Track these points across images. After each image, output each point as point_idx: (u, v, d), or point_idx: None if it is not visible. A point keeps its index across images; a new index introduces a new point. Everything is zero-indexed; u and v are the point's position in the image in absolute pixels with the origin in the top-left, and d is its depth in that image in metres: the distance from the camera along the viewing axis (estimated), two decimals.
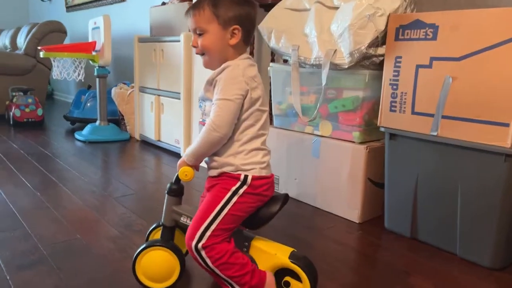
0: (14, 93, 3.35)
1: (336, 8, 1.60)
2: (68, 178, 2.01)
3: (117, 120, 3.14)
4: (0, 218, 1.49)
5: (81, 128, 3.05)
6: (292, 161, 1.79)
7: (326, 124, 1.66)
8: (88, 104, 3.25)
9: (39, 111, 3.31)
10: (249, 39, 1.02)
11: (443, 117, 1.26)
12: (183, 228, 1.12)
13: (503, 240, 1.22)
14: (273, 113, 1.91)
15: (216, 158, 0.99)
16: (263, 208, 1.01)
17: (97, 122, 2.93)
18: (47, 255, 1.23)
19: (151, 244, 1.05)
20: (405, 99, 1.35)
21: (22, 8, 6.07)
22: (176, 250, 1.05)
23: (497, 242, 1.22)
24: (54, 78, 2.88)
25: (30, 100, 3.29)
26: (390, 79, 1.39)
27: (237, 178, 0.97)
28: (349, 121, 1.58)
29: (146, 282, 1.05)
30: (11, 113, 3.24)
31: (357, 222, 1.57)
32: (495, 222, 1.21)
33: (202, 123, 1.02)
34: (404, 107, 1.36)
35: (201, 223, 0.94)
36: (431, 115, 1.29)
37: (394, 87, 1.38)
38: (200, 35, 0.98)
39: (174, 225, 1.08)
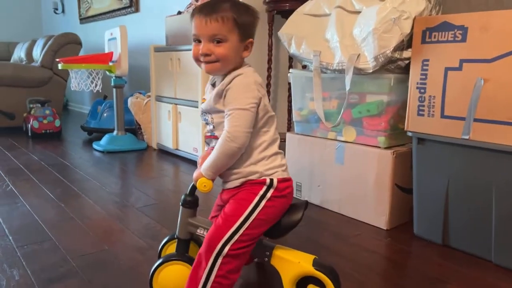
0: (31, 105, 3.39)
1: (358, 12, 1.58)
2: (90, 188, 2.01)
3: (133, 129, 3.16)
4: (27, 230, 1.49)
5: (98, 138, 3.07)
6: (315, 168, 1.77)
7: (350, 129, 1.64)
8: (105, 114, 3.27)
9: (57, 122, 3.34)
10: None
11: (475, 120, 1.23)
12: (197, 241, 1.11)
13: None
14: (294, 119, 1.90)
15: (236, 170, 0.96)
16: (285, 216, 1.00)
17: (115, 132, 2.94)
18: (76, 267, 1.23)
19: (167, 259, 1.03)
20: (433, 102, 1.33)
21: (36, 20, 6.17)
22: (192, 263, 1.03)
23: None
24: (72, 89, 2.90)
25: (47, 112, 3.33)
26: (417, 83, 1.37)
27: (262, 183, 0.95)
28: (374, 126, 1.56)
29: None
30: (29, 125, 3.28)
31: (385, 228, 1.54)
32: None
33: (209, 136, 1.00)
34: (433, 111, 1.33)
35: (229, 227, 0.91)
36: (462, 119, 1.26)
37: (422, 90, 1.36)
38: (218, 42, 0.93)
39: (190, 238, 1.07)
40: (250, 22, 0.96)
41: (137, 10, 3.85)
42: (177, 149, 2.70)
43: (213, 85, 1.02)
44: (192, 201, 1.05)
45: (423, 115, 1.37)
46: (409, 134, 1.42)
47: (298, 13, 1.81)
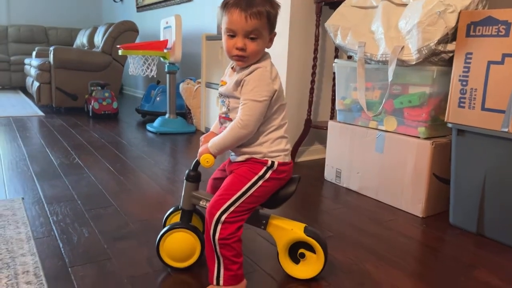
0: (92, 88, 3.68)
1: (405, 5, 1.62)
2: (145, 165, 2.20)
3: (184, 113, 3.34)
4: (93, 197, 1.69)
5: (152, 121, 3.28)
6: (354, 156, 1.84)
7: (391, 119, 1.69)
8: (158, 99, 3.49)
9: (115, 104, 3.60)
10: None
11: None
12: (199, 212, 1.24)
13: None
14: (337, 108, 1.97)
15: (243, 149, 1.05)
16: (281, 189, 1.09)
17: (166, 115, 3.14)
18: (135, 230, 1.40)
19: (173, 227, 1.13)
20: (475, 95, 1.36)
21: (97, 8, 6.56)
22: (196, 231, 1.14)
23: None
24: (130, 74, 3.12)
25: (106, 94, 3.59)
26: (460, 75, 1.40)
27: (264, 163, 1.04)
28: (415, 116, 1.60)
29: (170, 262, 1.14)
30: (90, 106, 3.56)
31: (421, 216, 1.59)
32: None
33: (223, 117, 1.08)
34: (474, 103, 1.37)
35: (228, 198, 1.01)
36: (502, 112, 1.29)
37: (464, 83, 1.39)
38: (252, 39, 0.97)
39: (192, 209, 1.18)
40: (276, 15, 1.01)
41: None
42: None
43: (233, 68, 1.09)
44: (195, 176, 1.16)
45: (463, 107, 1.40)
46: (449, 125, 1.46)
47: (346, 4, 1.87)
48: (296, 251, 1.12)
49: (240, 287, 1.03)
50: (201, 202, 1.15)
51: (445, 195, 1.57)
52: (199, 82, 3.18)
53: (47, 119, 3.48)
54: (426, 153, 1.55)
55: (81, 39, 5.17)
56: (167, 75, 3.07)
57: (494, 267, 1.24)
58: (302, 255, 1.11)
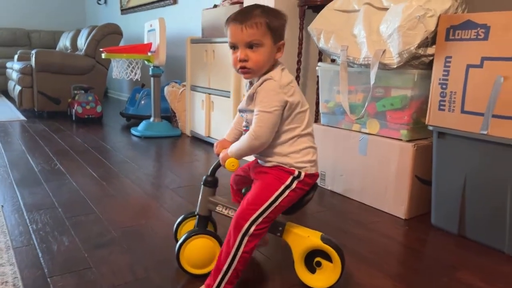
0: (76, 91, 3.63)
1: (386, 9, 1.64)
2: (128, 169, 2.18)
3: (169, 117, 3.32)
4: (74, 204, 1.66)
5: (136, 124, 3.25)
6: (338, 158, 1.85)
7: (374, 122, 1.71)
8: (142, 102, 3.46)
9: (99, 108, 3.56)
10: None
11: (493, 116, 1.28)
12: (213, 221, 1.24)
13: None
14: (320, 111, 1.98)
15: (269, 158, 1.06)
16: None
17: (151, 119, 3.12)
18: (117, 237, 1.38)
19: (192, 234, 1.12)
20: (454, 98, 1.38)
21: (80, 11, 6.48)
22: (215, 236, 1.14)
23: None
24: (113, 77, 3.09)
25: (90, 98, 3.55)
26: (440, 79, 1.42)
27: (291, 172, 1.04)
28: (397, 119, 1.62)
29: (191, 270, 1.13)
30: (74, 110, 3.51)
31: (404, 218, 1.61)
32: None
33: (246, 130, 1.09)
34: (454, 106, 1.39)
35: (256, 209, 1.01)
36: (481, 114, 1.31)
37: (444, 86, 1.41)
38: (252, 48, 0.99)
39: (209, 215, 1.18)
40: (280, 25, 1.03)
41: (175, 2, 4.00)
42: (209, 136, 2.84)
43: (251, 82, 1.10)
44: (212, 181, 1.16)
45: (444, 110, 1.42)
46: (430, 128, 1.48)
47: (329, 8, 1.88)
48: (312, 259, 1.10)
49: None
50: (217, 208, 1.15)
51: (427, 196, 1.59)
52: (184, 85, 3.16)
53: (29, 124, 3.42)
54: (408, 155, 1.56)
55: (64, 42, 5.10)
56: (152, 79, 3.05)
57: (476, 268, 1.25)
58: (319, 264, 1.09)
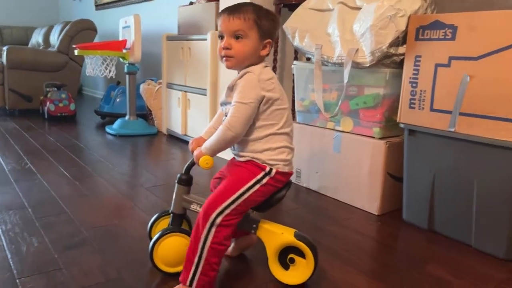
0: (48, 89, 3.54)
1: (359, 8, 1.66)
2: (102, 168, 2.14)
3: (145, 115, 3.28)
4: (45, 204, 1.62)
5: (111, 122, 3.20)
6: (313, 156, 1.87)
7: (347, 120, 1.73)
8: (118, 100, 3.40)
9: (72, 106, 3.48)
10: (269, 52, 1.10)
11: (461, 114, 1.31)
12: (187, 219, 1.24)
13: None
14: (296, 109, 1.99)
15: (243, 153, 1.07)
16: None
17: (127, 117, 3.07)
18: (89, 238, 1.35)
19: (165, 232, 1.12)
20: (424, 96, 1.41)
21: (54, 6, 6.31)
22: (189, 234, 1.12)
23: (511, 234, 1.27)
24: (87, 75, 3.03)
25: (63, 96, 3.47)
26: (410, 77, 1.45)
27: (262, 168, 1.05)
28: (370, 117, 1.65)
29: (165, 268, 1.13)
30: (46, 108, 3.42)
31: (376, 214, 1.64)
32: (509, 215, 1.26)
33: None
34: (423, 104, 1.42)
35: (223, 199, 1.02)
36: (449, 112, 1.34)
37: (414, 85, 1.44)
38: (237, 38, 1.03)
39: (184, 213, 1.17)
40: (269, 25, 1.05)
41: None
42: (185, 134, 2.82)
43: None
44: (187, 179, 1.15)
45: (414, 108, 1.45)
46: (401, 125, 1.51)
47: (304, 7, 1.89)
48: (286, 256, 1.11)
49: None
50: (192, 206, 1.14)
51: (399, 193, 1.62)
52: (160, 83, 3.13)
53: None
54: (381, 152, 1.59)
55: (37, 38, 4.96)
56: (127, 76, 3.00)
57: (444, 261, 1.29)
58: (292, 260, 1.10)
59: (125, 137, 2.91)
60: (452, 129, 1.34)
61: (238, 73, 1.07)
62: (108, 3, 4.77)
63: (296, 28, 1.84)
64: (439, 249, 1.38)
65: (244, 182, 1.04)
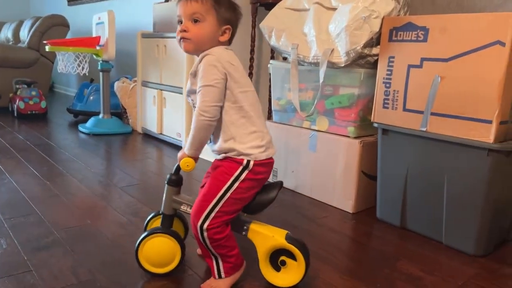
0: (18, 86, 3.42)
1: (334, 9, 1.68)
2: (75, 168, 2.09)
3: (119, 113, 3.22)
4: (14, 205, 1.57)
5: (84, 121, 3.13)
6: (290, 154, 1.88)
7: (323, 119, 1.75)
8: (91, 98, 3.32)
9: (43, 104, 3.38)
10: (231, 41, 1.11)
11: (432, 114, 1.35)
12: (180, 217, 1.23)
13: (485, 229, 1.32)
14: (272, 108, 2.00)
15: (217, 146, 1.06)
16: (261, 195, 1.09)
17: (100, 115, 3.01)
18: (60, 239, 1.32)
19: (153, 232, 1.11)
20: (397, 96, 1.44)
21: (24, 1, 6.11)
22: (176, 236, 1.13)
23: (480, 231, 1.31)
24: (59, 71, 2.95)
25: (34, 93, 3.36)
26: (384, 78, 1.48)
27: (239, 162, 1.04)
28: (345, 116, 1.67)
29: (149, 268, 1.12)
30: (15, 105, 3.31)
31: (351, 212, 1.66)
32: (478, 212, 1.30)
33: None
34: (396, 104, 1.45)
35: (206, 206, 1.02)
36: (421, 112, 1.38)
37: (387, 85, 1.47)
38: (195, 21, 1.02)
39: (174, 214, 1.16)
40: (228, 11, 1.05)
41: None
42: (161, 133, 2.78)
43: None
44: (176, 180, 1.14)
45: (387, 108, 1.48)
46: (375, 125, 1.54)
47: (280, 6, 1.90)
48: (277, 258, 1.10)
49: (241, 272, 1.11)
50: (182, 207, 1.13)
51: (373, 191, 1.65)
52: (135, 81, 3.07)
53: None
54: (355, 151, 1.62)
55: (6, 34, 4.80)
56: (100, 73, 2.94)
57: (416, 258, 1.32)
58: (283, 263, 1.09)
59: (98, 136, 2.84)
60: (424, 129, 1.37)
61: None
62: None
63: (273, 27, 1.84)
64: (411, 246, 1.41)
65: (222, 184, 1.03)
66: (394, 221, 1.54)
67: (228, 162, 1.05)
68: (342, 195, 1.68)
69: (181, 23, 1.04)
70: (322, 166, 1.74)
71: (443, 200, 1.38)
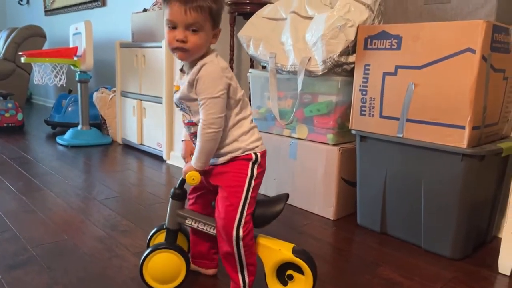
0: None
1: (310, 18, 1.70)
2: (52, 181, 2.04)
3: (98, 124, 3.18)
4: None
5: (63, 133, 3.07)
6: (271, 162, 1.87)
7: (302, 127, 1.76)
8: (69, 109, 3.27)
9: (19, 116, 3.31)
10: None
11: (408, 120, 1.37)
12: (184, 232, 1.21)
13: (462, 233, 1.34)
14: (253, 117, 2.00)
15: (221, 150, 1.04)
16: (268, 208, 1.08)
17: (79, 127, 2.96)
18: (36, 255, 1.28)
19: (157, 248, 1.09)
20: (373, 104, 1.46)
21: (0, 11, 6.00)
22: (181, 251, 1.10)
23: (457, 234, 1.34)
24: (35, 83, 2.89)
25: (10, 105, 3.29)
26: (360, 85, 1.50)
27: (248, 159, 1.04)
28: (324, 124, 1.68)
29: (155, 285, 1.09)
30: None
31: (332, 219, 1.67)
32: (454, 216, 1.32)
33: (188, 123, 1.07)
34: (373, 111, 1.47)
35: (234, 214, 1.01)
36: (397, 119, 1.40)
37: (364, 92, 1.49)
38: (194, 31, 0.97)
39: (178, 228, 1.14)
40: (220, 11, 1.02)
41: (103, 4, 3.84)
42: (141, 144, 2.76)
43: (181, 70, 1.08)
44: (181, 194, 1.12)
45: (365, 115, 1.50)
46: (353, 132, 1.56)
47: (257, 16, 1.91)
48: (284, 272, 1.07)
49: None
50: (186, 221, 1.11)
51: (353, 197, 1.66)
52: (114, 91, 3.04)
53: None
54: (335, 158, 1.63)
55: None
56: (78, 84, 2.90)
57: (396, 263, 1.33)
58: (290, 277, 1.07)
59: (77, 148, 2.80)
60: (401, 135, 1.39)
61: (188, 64, 1.03)
62: (58, 9, 4.59)
63: (251, 36, 1.85)
64: (391, 251, 1.42)
65: (241, 188, 1.03)
66: (374, 227, 1.55)
67: (235, 164, 1.04)
68: (323, 202, 1.69)
69: (174, 28, 0.98)
70: (303, 174, 1.75)
71: (420, 205, 1.40)
